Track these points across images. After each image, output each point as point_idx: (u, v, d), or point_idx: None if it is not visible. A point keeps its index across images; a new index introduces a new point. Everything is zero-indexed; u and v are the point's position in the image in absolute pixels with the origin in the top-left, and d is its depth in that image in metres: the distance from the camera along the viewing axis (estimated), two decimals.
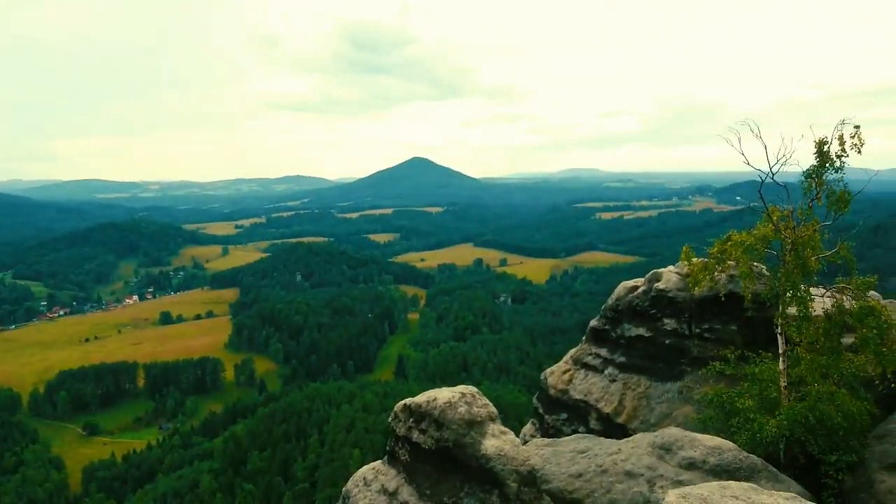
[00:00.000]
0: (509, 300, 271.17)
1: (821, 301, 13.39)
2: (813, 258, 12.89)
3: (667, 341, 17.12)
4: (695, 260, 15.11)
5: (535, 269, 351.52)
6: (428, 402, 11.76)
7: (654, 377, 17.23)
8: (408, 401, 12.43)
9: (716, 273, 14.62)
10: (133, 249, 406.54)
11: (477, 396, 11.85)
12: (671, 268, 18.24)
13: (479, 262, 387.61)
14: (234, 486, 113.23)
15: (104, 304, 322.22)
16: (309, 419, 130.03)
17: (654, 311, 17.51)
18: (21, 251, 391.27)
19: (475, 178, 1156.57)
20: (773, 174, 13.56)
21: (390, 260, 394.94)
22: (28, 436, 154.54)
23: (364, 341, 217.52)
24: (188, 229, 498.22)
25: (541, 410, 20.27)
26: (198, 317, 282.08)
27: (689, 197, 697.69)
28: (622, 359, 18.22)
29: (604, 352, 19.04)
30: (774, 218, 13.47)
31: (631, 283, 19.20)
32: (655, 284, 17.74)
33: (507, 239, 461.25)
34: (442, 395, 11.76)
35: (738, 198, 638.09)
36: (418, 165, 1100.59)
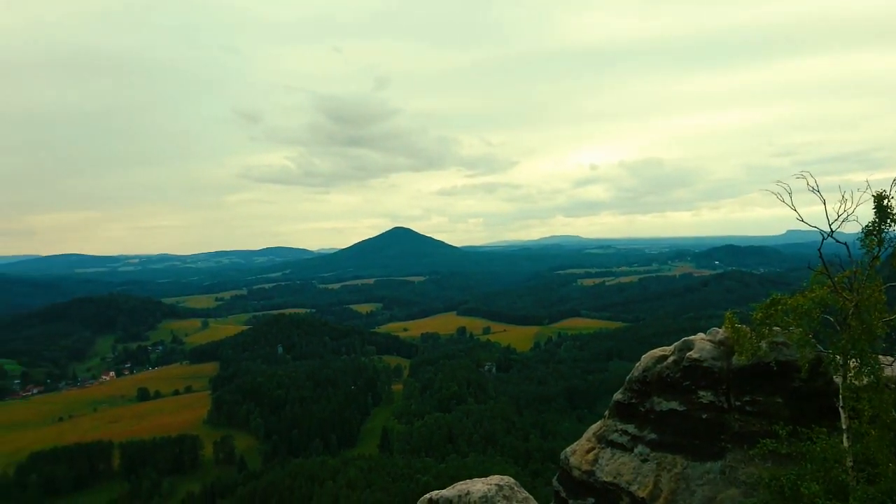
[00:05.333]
0: (494, 368, 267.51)
1: (889, 369, 12.34)
2: (879, 322, 11.89)
3: (703, 416, 15.82)
4: (741, 327, 14.06)
5: (518, 337, 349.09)
6: (459, 496, 10.29)
7: (691, 456, 15.83)
8: (433, 494, 10.90)
9: (760, 341, 13.54)
10: (110, 324, 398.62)
11: (516, 489, 10.48)
12: (702, 335, 17.13)
13: (462, 330, 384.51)
14: None
15: (80, 381, 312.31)
16: (291, 497, 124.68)
17: (687, 383, 16.27)
18: None
19: (456, 247, 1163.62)
20: (833, 232, 12.65)
21: (373, 330, 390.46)
22: None
23: (347, 414, 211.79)
24: (167, 303, 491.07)
25: (563, 494, 18.61)
26: (176, 392, 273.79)
27: (669, 262, 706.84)
28: (653, 436, 16.84)
29: (631, 428, 17.65)
30: (834, 279, 12.43)
31: (658, 352, 18.01)
32: (688, 354, 16.57)
33: (490, 307, 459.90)
34: (475, 487, 10.34)
35: (716, 262, 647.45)
36: (399, 235, 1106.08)
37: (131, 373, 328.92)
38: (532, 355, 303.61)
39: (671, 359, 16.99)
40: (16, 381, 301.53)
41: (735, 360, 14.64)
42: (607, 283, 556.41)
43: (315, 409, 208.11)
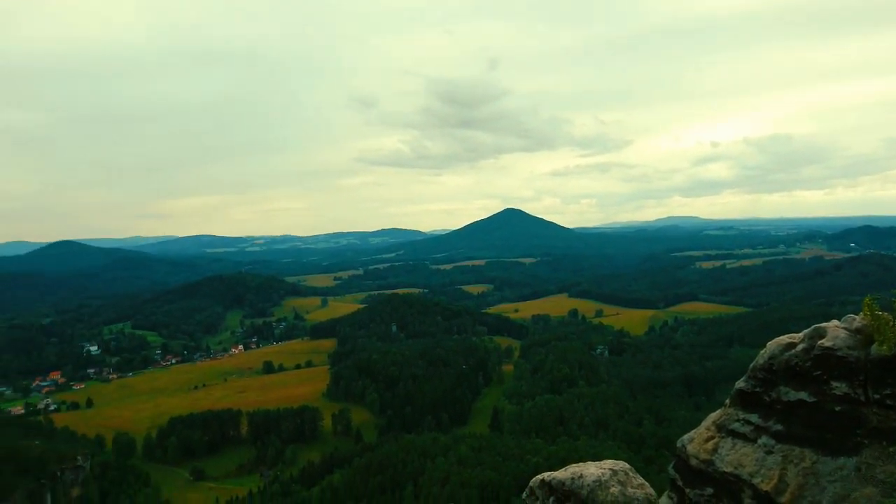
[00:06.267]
0: (606, 352, 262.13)
1: None
2: None
3: (836, 408, 14.67)
4: (882, 314, 12.94)
5: (632, 320, 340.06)
6: (573, 478, 10.19)
7: (821, 450, 14.76)
8: (546, 475, 10.86)
9: None
10: (239, 301, 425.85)
11: (631, 474, 10.21)
12: (836, 322, 15.88)
13: (574, 312, 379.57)
14: None
15: (212, 353, 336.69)
16: (404, 471, 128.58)
17: (818, 373, 15.15)
18: (139, 303, 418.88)
19: (569, 228, 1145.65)
20: None
21: (484, 311, 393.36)
22: (141, 479, 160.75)
23: (458, 393, 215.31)
24: (290, 281, 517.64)
25: (680, 483, 17.99)
26: (298, 366, 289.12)
27: (797, 244, 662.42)
28: (779, 427, 15.84)
29: (755, 418, 16.70)
30: None
31: (785, 339, 16.87)
32: (819, 342, 15.41)
33: (602, 289, 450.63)
34: (588, 470, 10.21)
35: (852, 245, 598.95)
36: (511, 216, 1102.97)
37: (257, 346, 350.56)
38: (646, 339, 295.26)
39: (800, 347, 15.87)
40: (157, 352, 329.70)
41: (874, 350, 13.43)
42: (728, 266, 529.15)
43: (427, 387, 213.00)
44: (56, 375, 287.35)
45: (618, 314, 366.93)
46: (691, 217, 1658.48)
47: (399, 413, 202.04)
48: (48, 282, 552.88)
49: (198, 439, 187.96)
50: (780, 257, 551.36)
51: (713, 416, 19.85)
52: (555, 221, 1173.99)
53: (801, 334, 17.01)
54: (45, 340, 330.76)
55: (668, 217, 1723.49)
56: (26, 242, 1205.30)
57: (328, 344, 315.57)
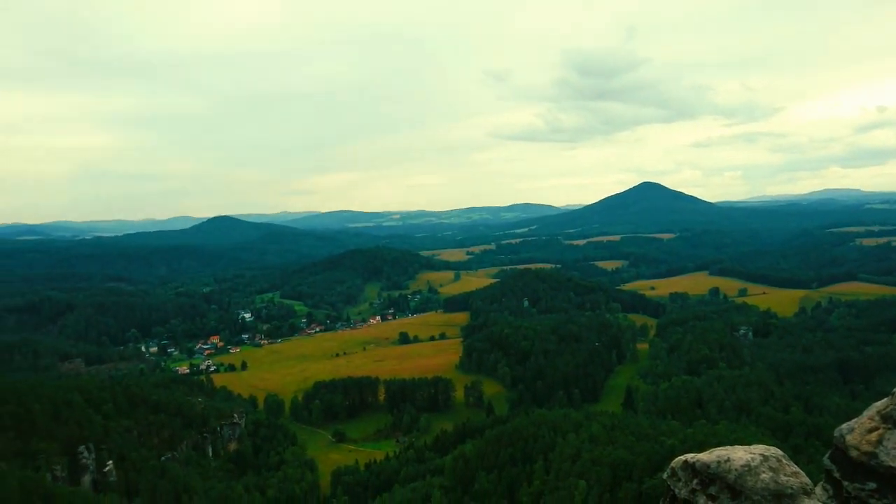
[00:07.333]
0: (750, 333, 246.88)
1: None
2: None
3: None
4: None
5: (780, 300, 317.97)
6: (719, 462, 9.70)
7: None
8: (689, 457, 10.43)
9: None
10: (377, 274, 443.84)
11: (783, 461, 9.53)
12: None
13: (715, 291, 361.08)
14: None
15: (352, 323, 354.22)
16: (535, 445, 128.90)
17: None
18: (287, 274, 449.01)
19: (710, 203, 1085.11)
20: None
21: (618, 287, 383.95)
22: (289, 438, 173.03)
23: (590, 370, 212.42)
24: (424, 255, 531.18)
25: (836, 475, 16.75)
26: (432, 338, 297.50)
27: None
28: None
29: None
30: None
31: None
32: None
33: (747, 267, 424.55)
34: (736, 454, 9.66)
35: None
36: (648, 190, 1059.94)
37: (394, 318, 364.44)
38: (796, 321, 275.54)
39: None
40: (302, 321, 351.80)
41: None
42: (894, 244, 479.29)
43: (559, 363, 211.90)
44: (215, 339, 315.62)
45: (764, 293, 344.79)
46: (851, 189, 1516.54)
47: (530, 387, 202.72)
48: (208, 254, 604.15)
49: (339, 403, 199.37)
50: None
51: (878, 405, 18.20)
52: (695, 195, 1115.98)
53: None
54: (206, 307, 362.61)
55: (825, 190, 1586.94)
56: (189, 217, 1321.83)
57: (461, 317, 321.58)
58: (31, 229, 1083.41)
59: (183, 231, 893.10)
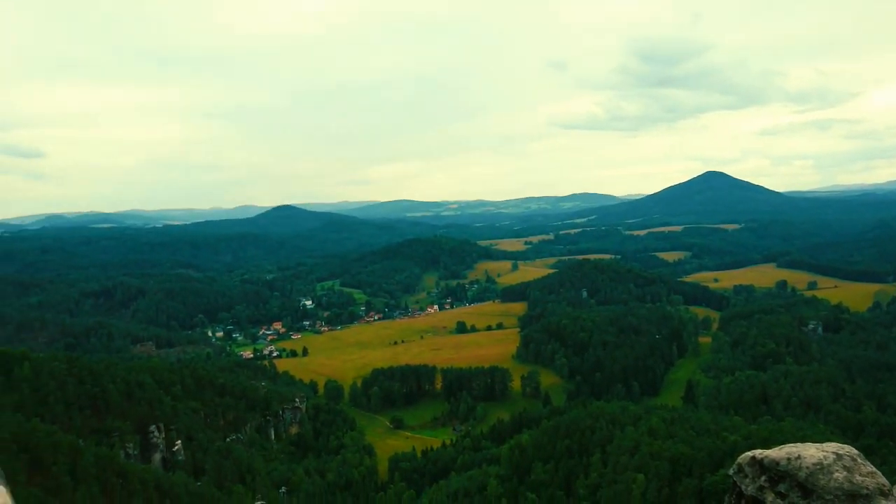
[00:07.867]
0: (820, 328, 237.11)
1: None
2: None
3: None
4: None
5: (853, 294, 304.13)
6: (789, 459, 9.53)
7: None
8: (758, 453, 10.28)
9: None
10: (434, 263, 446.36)
11: (858, 460, 9.29)
12: None
13: (782, 284, 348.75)
14: (518, 494, 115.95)
15: (410, 312, 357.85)
16: (592, 437, 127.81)
17: None
18: (346, 262, 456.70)
19: (778, 192, 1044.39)
20: None
21: (680, 279, 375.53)
22: (348, 423, 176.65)
23: (650, 362, 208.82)
24: (482, 245, 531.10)
25: None
26: (489, 328, 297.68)
27: None
28: None
29: None
30: None
31: None
32: None
33: (817, 259, 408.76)
34: (808, 452, 9.48)
35: None
36: (712, 180, 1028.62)
37: (451, 307, 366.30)
38: (870, 316, 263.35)
39: None
40: (361, 308, 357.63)
41: None
42: None
43: (618, 355, 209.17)
44: (278, 325, 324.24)
45: (835, 287, 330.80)
46: None
47: (588, 379, 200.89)
48: (271, 242, 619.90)
49: (397, 391, 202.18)
50: None
51: None
52: (762, 185, 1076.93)
53: None
54: (269, 294, 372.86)
55: None
56: (254, 206, 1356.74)
57: (518, 307, 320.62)
58: (105, 218, 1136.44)
59: (248, 220, 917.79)
